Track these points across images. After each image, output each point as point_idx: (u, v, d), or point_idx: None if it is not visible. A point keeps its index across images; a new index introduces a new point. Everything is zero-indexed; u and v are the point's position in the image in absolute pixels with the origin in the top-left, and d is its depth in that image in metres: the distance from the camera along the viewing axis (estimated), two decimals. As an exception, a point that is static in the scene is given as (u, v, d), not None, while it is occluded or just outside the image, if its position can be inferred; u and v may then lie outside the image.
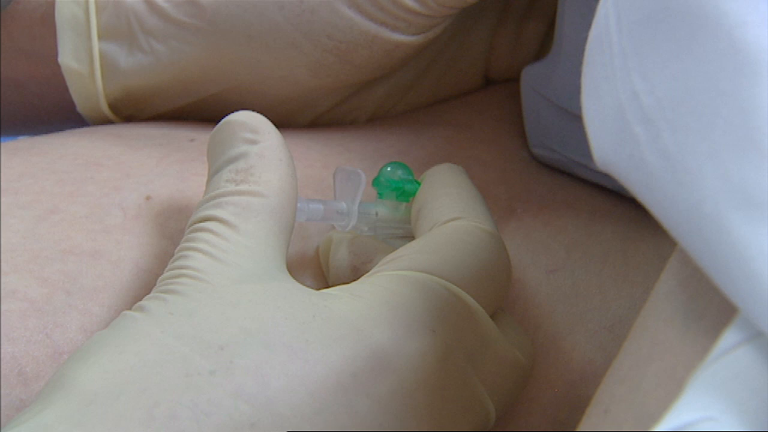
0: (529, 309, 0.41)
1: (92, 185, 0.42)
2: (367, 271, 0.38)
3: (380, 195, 0.42)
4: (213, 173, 0.37)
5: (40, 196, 0.41)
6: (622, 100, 0.24)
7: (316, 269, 0.42)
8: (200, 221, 0.35)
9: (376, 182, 0.42)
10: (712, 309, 0.24)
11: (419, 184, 0.41)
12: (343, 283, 0.36)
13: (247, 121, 0.37)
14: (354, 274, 0.39)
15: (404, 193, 0.41)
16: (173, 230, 0.40)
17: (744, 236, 0.21)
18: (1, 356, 0.36)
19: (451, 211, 0.38)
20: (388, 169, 0.42)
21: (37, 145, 0.45)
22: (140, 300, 0.33)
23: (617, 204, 0.45)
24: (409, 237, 0.41)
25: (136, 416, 0.29)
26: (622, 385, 0.25)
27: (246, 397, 0.30)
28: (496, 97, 0.53)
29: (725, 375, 0.23)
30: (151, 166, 0.43)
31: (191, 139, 0.46)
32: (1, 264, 0.38)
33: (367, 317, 0.33)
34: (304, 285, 0.35)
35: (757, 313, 0.22)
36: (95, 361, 0.31)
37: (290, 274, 0.35)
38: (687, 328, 0.24)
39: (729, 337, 0.23)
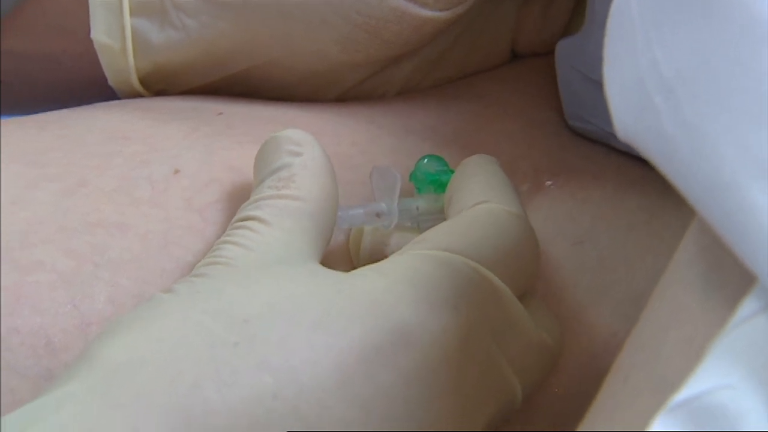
0: (553, 281, 0.41)
1: (120, 159, 0.42)
2: (386, 254, 0.38)
3: (419, 190, 0.42)
4: (257, 183, 0.38)
5: (69, 169, 0.41)
6: (643, 71, 0.24)
7: (347, 259, 0.42)
8: (239, 221, 0.36)
9: (413, 177, 0.42)
10: (732, 277, 0.24)
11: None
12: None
13: (292, 136, 0.38)
14: (375, 257, 0.40)
15: (442, 185, 0.42)
16: (201, 204, 0.41)
17: (762, 205, 0.22)
18: (30, 327, 0.36)
19: (477, 195, 0.39)
20: (425, 161, 0.42)
21: (66, 119, 0.45)
22: (167, 272, 0.34)
23: (644, 176, 0.45)
24: None
25: (160, 386, 0.30)
26: (641, 352, 0.25)
27: (269, 369, 0.30)
28: (523, 71, 0.53)
29: (744, 343, 0.23)
30: (178, 139, 0.43)
31: (219, 112, 0.46)
32: (30, 236, 0.38)
33: (391, 293, 0.33)
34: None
35: (776, 282, 0.22)
36: (121, 336, 0.31)
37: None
38: (707, 296, 0.24)
39: (748, 305, 0.23)
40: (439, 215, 0.42)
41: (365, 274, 0.34)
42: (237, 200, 0.41)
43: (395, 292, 0.33)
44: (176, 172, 0.42)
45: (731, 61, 0.22)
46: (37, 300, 0.37)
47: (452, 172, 0.42)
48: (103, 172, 0.41)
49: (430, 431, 0.32)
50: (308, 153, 0.38)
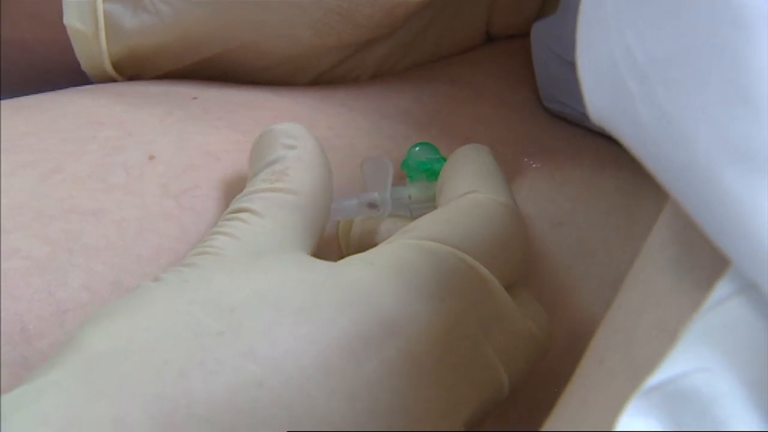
0: (535, 263, 0.41)
1: (95, 144, 0.42)
2: (375, 242, 0.38)
3: (411, 178, 0.42)
4: (252, 176, 0.38)
5: (44, 154, 0.41)
6: (616, 55, 0.24)
7: (337, 247, 0.42)
8: (231, 213, 0.36)
9: (405, 165, 0.42)
10: (705, 261, 0.24)
11: (446, 161, 0.42)
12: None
13: (288, 129, 0.38)
14: (364, 245, 0.40)
15: (434, 173, 0.42)
16: (177, 190, 0.41)
17: (737, 190, 0.22)
18: (5, 314, 0.36)
19: (467, 185, 0.39)
20: (416, 149, 0.42)
21: (40, 104, 0.45)
22: (143, 259, 0.34)
23: (620, 157, 0.45)
24: None
25: (145, 374, 0.30)
26: (616, 335, 0.26)
27: (254, 357, 0.30)
28: (498, 54, 0.53)
29: (718, 326, 0.23)
30: (153, 125, 0.43)
31: (193, 97, 0.46)
32: (5, 222, 0.38)
33: (377, 283, 0.33)
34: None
35: (750, 267, 0.22)
36: (106, 324, 0.31)
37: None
38: (680, 280, 0.24)
39: (722, 288, 0.23)
40: (432, 203, 0.42)
41: (352, 263, 0.34)
42: (213, 186, 0.40)
43: (381, 281, 0.33)
44: (151, 158, 0.41)
45: (706, 46, 0.22)
46: (12, 287, 0.37)
47: (444, 160, 0.42)
48: (78, 158, 0.41)
49: (415, 421, 0.32)
50: (303, 146, 0.38)
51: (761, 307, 0.22)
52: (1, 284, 0.36)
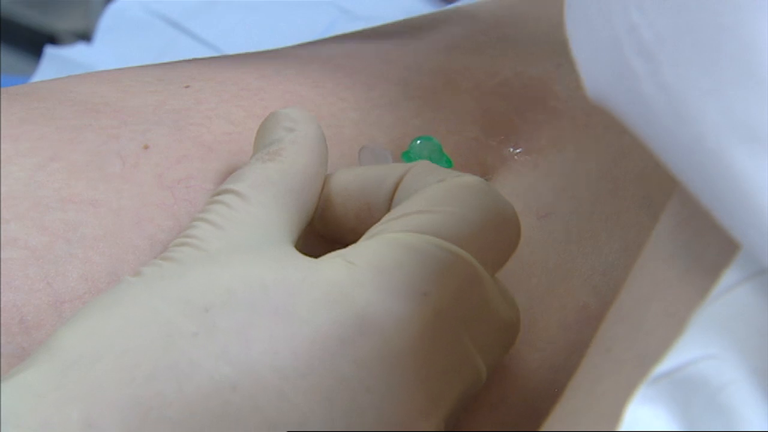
0: (522, 255, 0.41)
1: (91, 133, 0.41)
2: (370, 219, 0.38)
3: None
4: (251, 157, 0.38)
5: (40, 143, 0.40)
6: (619, 34, 0.23)
7: None
8: (218, 194, 0.36)
9: (405, 157, 0.42)
10: (712, 248, 0.24)
11: (448, 158, 0.41)
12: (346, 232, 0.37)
13: (291, 113, 0.38)
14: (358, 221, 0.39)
15: None
16: (171, 181, 0.40)
17: (747, 170, 0.21)
18: (3, 304, 0.36)
19: (443, 173, 0.38)
20: (418, 143, 0.42)
21: (37, 91, 0.44)
22: (139, 249, 0.33)
23: (601, 138, 0.44)
24: None
25: (116, 378, 0.29)
26: (623, 324, 0.25)
27: (228, 359, 0.30)
28: None
29: (726, 313, 0.23)
30: (147, 114, 0.43)
31: (186, 86, 0.46)
32: (3, 212, 0.38)
33: (357, 282, 0.33)
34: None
35: (760, 248, 0.22)
36: (82, 324, 0.31)
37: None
38: (687, 268, 0.24)
39: (730, 275, 0.23)
40: None
41: (332, 262, 0.34)
42: (207, 177, 0.40)
43: (361, 280, 0.33)
44: (146, 147, 0.41)
45: (715, 26, 0.22)
46: (9, 277, 0.36)
47: (449, 161, 0.41)
48: (74, 146, 0.41)
49: (396, 421, 0.32)
50: (302, 130, 0.38)
51: (770, 293, 0.22)
52: (0, 275, 0.36)
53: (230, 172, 0.40)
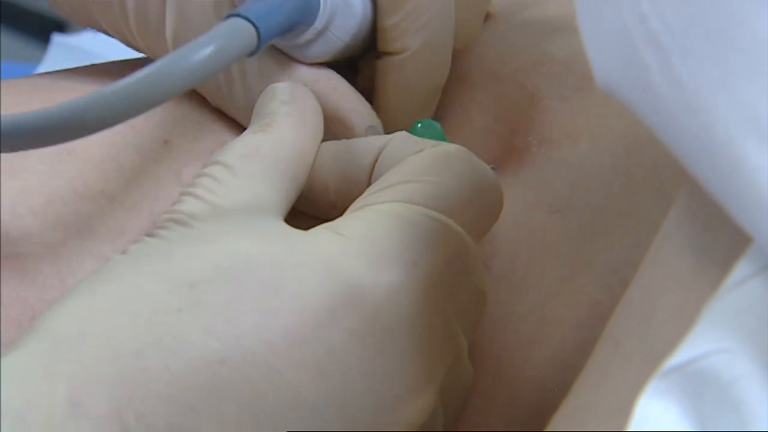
0: (535, 251, 0.41)
1: None
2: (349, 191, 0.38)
3: None
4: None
5: None
6: (629, 24, 0.23)
7: None
8: (206, 166, 0.36)
9: None
10: (723, 241, 0.24)
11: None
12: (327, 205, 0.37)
13: (287, 87, 0.39)
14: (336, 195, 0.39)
15: None
16: (189, 177, 0.40)
17: (758, 163, 0.21)
18: (16, 300, 0.36)
19: (425, 143, 0.38)
20: (419, 126, 0.42)
21: (56, 82, 0.44)
22: None
23: (614, 128, 0.44)
24: None
25: (101, 356, 0.29)
26: (633, 318, 0.25)
27: (215, 334, 0.30)
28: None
29: (738, 307, 0.22)
30: (169, 109, 0.43)
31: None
32: (19, 207, 0.37)
33: (345, 253, 0.32)
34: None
35: (770, 239, 0.21)
36: (69, 304, 0.31)
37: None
38: (698, 261, 0.24)
39: (741, 269, 0.22)
40: None
41: (321, 234, 0.34)
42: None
43: (351, 252, 0.32)
44: (166, 142, 0.41)
45: (726, 18, 0.22)
46: (23, 273, 0.36)
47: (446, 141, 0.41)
48: (91, 139, 0.41)
49: (391, 390, 0.32)
50: (297, 104, 0.38)
51: (781, 287, 0.22)
52: (13, 270, 0.36)
53: None
